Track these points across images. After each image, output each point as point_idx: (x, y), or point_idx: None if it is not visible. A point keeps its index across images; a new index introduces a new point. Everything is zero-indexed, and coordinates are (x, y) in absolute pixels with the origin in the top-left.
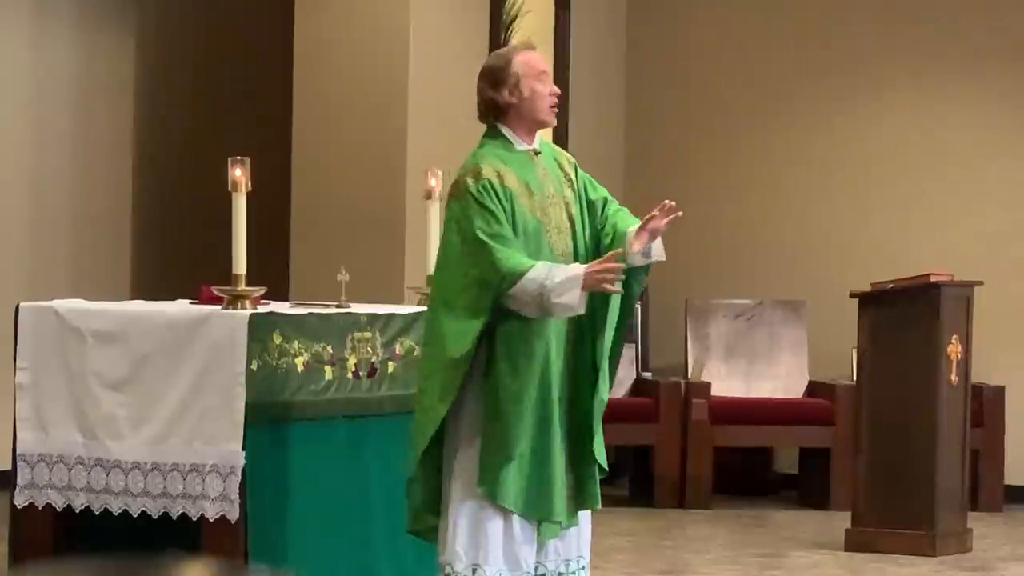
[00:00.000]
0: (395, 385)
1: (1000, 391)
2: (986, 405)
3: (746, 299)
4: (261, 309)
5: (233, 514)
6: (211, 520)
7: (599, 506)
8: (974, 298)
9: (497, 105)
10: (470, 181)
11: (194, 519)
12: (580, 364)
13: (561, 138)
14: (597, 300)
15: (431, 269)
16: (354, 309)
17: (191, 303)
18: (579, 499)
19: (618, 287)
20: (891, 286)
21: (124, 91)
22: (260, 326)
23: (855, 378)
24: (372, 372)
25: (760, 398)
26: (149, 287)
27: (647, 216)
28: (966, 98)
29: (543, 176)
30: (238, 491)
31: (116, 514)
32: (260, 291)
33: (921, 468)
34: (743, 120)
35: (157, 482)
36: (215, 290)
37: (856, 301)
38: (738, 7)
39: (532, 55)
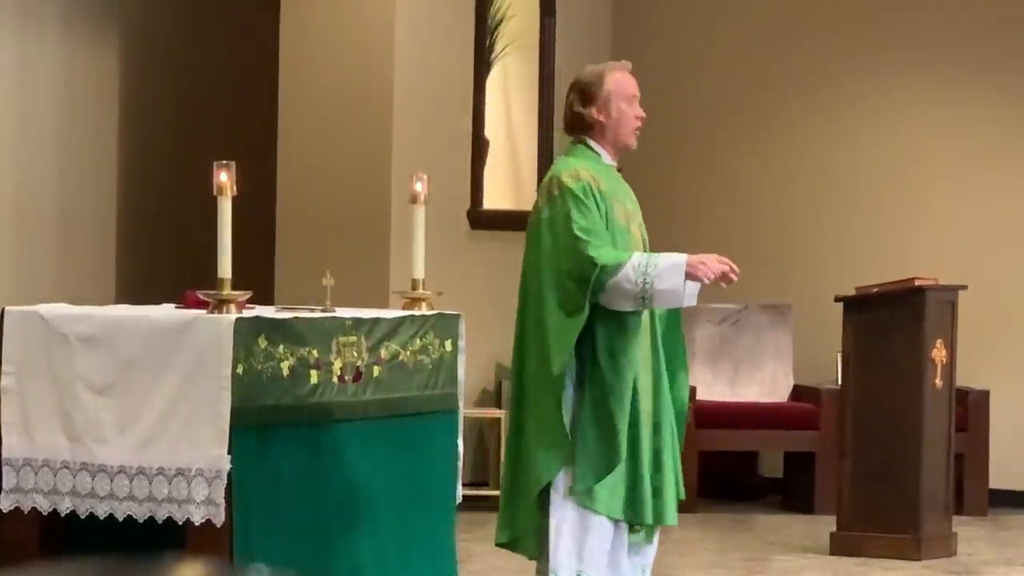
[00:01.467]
0: (380, 389)
1: (985, 395)
2: (971, 409)
3: (731, 303)
4: (246, 313)
5: (219, 518)
6: (197, 524)
7: (675, 522)
8: (958, 302)
9: (584, 121)
10: (568, 179)
11: (180, 523)
12: (658, 376)
13: (547, 142)
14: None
15: (418, 273)
16: (339, 313)
17: (176, 307)
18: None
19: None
20: (876, 290)
21: (109, 93)
22: (245, 330)
23: (840, 382)
24: (357, 376)
25: (745, 402)
26: (134, 291)
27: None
28: (950, 104)
29: (625, 193)
30: (224, 495)
31: (102, 518)
32: (245, 295)
33: (906, 472)
34: (727, 125)
35: (143, 486)
36: (200, 294)
37: (841, 305)
38: (723, 13)
39: (626, 76)
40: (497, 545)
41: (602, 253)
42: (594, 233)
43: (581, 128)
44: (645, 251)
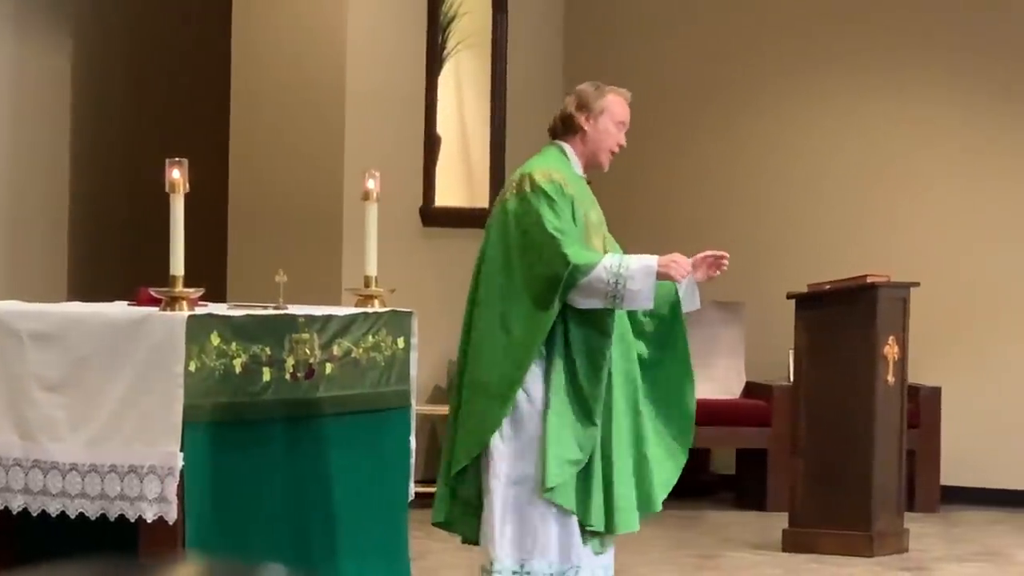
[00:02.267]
0: (333, 387)
1: (936, 392)
2: (922, 406)
3: None
4: (199, 310)
5: (171, 515)
6: (149, 522)
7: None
8: (910, 299)
9: (572, 123)
10: (540, 178)
11: (132, 521)
12: (629, 384)
13: (499, 140)
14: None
15: (370, 270)
16: (292, 310)
17: (129, 304)
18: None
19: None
20: (828, 287)
21: (61, 91)
22: (198, 327)
23: (792, 379)
24: (310, 373)
25: (697, 399)
26: (86, 288)
27: (699, 259)
28: (902, 102)
29: (592, 203)
30: (176, 492)
31: (54, 516)
32: (198, 292)
33: (858, 469)
34: (680, 124)
35: (95, 484)
36: (153, 291)
37: (793, 302)
38: (677, 11)
39: (624, 104)
40: (436, 524)
41: (575, 252)
42: (566, 232)
43: (565, 131)
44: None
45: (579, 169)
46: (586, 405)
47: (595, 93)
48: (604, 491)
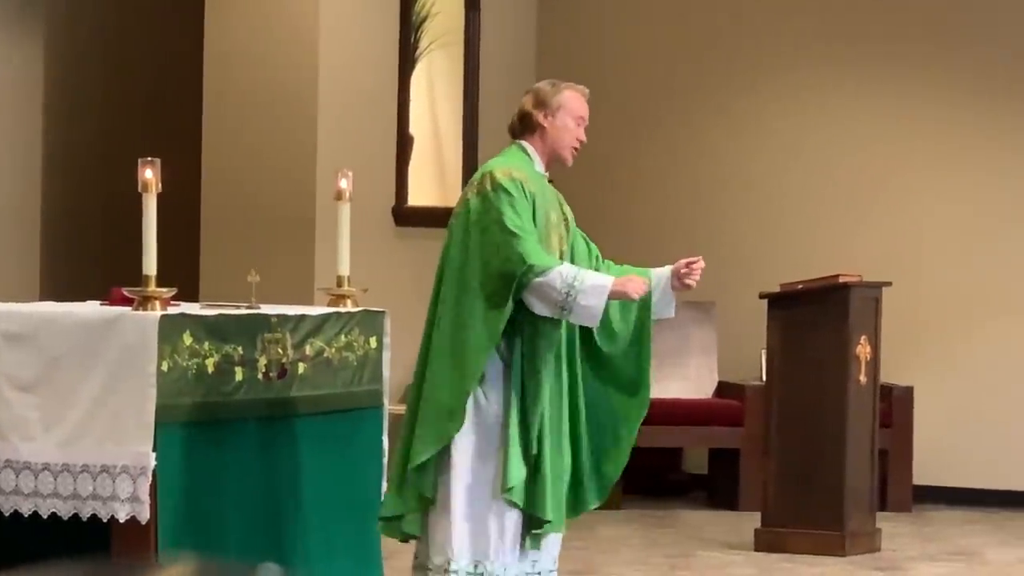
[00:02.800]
0: (305, 386)
1: (909, 391)
2: (895, 405)
3: None
4: (172, 310)
5: (143, 515)
6: (121, 521)
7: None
8: (882, 299)
9: (530, 121)
10: (501, 176)
11: (104, 520)
12: (575, 381)
13: (472, 139)
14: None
15: (342, 270)
16: (264, 310)
17: (101, 304)
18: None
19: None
20: (800, 287)
21: (33, 91)
22: (171, 327)
23: (764, 379)
24: (282, 373)
25: (670, 399)
26: (58, 288)
27: (682, 263)
28: (873, 102)
29: (551, 202)
30: (148, 492)
31: (27, 516)
32: (171, 292)
33: (830, 468)
34: (652, 123)
35: (67, 483)
36: (125, 291)
37: (765, 302)
38: (648, 8)
39: (581, 100)
40: (381, 518)
41: (533, 251)
42: (526, 231)
43: (524, 129)
44: (564, 260)
45: (541, 167)
46: (528, 408)
47: (551, 90)
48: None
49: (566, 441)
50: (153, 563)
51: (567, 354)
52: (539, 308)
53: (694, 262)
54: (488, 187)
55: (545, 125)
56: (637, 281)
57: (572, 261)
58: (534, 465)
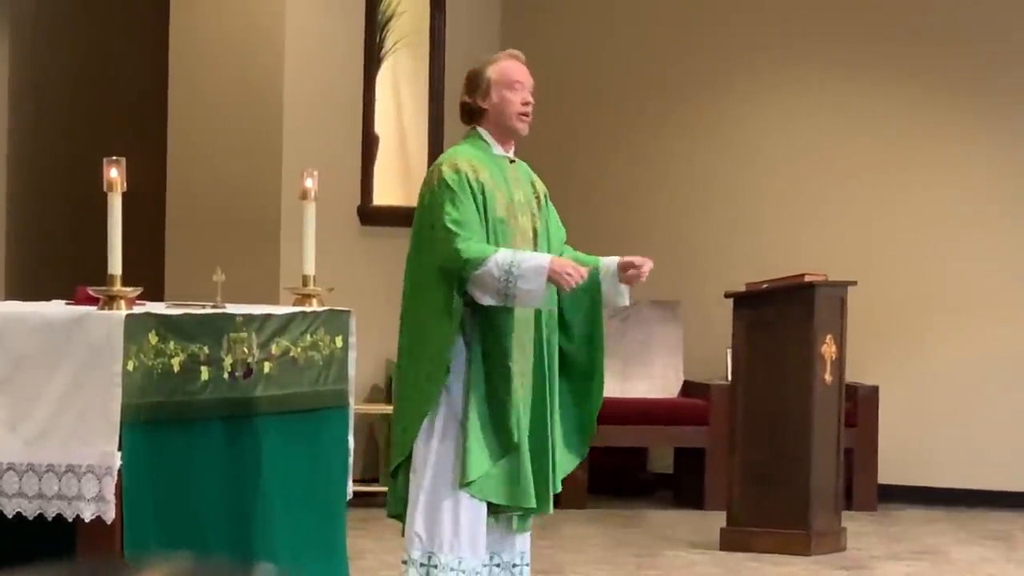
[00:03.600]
0: (271, 386)
1: (874, 391)
2: (860, 404)
3: None
4: (137, 309)
5: (109, 515)
6: (87, 521)
7: (549, 511)
8: (848, 298)
9: (470, 108)
10: (446, 169)
11: (70, 520)
12: (541, 365)
13: (437, 138)
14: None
15: (308, 269)
16: (230, 309)
17: (67, 304)
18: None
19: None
20: (765, 286)
21: None
22: (136, 326)
23: (730, 378)
24: (248, 373)
25: (635, 398)
26: (23, 288)
27: (628, 262)
28: (839, 101)
29: (514, 183)
30: (114, 492)
31: None
32: (136, 291)
33: (795, 468)
34: (618, 121)
35: (32, 483)
36: (91, 290)
37: (731, 301)
38: (613, 8)
39: (508, 64)
40: (390, 516)
41: (467, 246)
42: (464, 225)
43: (470, 117)
44: (539, 240)
45: (500, 149)
46: (499, 398)
47: (479, 70)
48: (514, 470)
49: (548, 425)
50: (148, 562)
51: (547, 337)
52: (485, 299)
53: (640, 266)
54: (435, 183)
55: (485, 107)
56: (574, 268)
57: (548, 238)
58: (514, 453)
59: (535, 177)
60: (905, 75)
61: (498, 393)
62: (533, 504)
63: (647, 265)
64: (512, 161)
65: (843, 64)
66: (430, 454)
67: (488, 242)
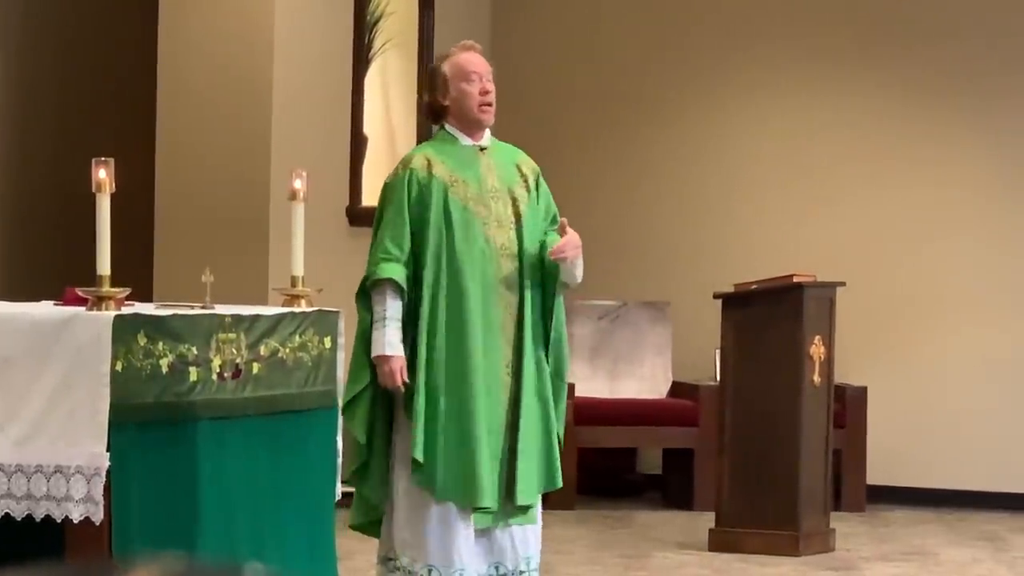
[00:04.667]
0: (260, 387)
1: (862, 391)
2: (849, 405)
3: (610, 300)
4: (126, 310)
5: (97, 516)
6: (75, 522)
7: (530, 500)
8: (836, 299)
9: (433, 108)
10: (398, 169)
11: (58, 521)
12: (522, 349)
13: (426, 135)
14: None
15: (297, 270)
16: (219, 310)
17: (55, 304)
18: (531, 484)
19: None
20: (754, 287)
21: None
22: (125, 327)
23: (719, 379)
24: (237, 373)
25: (624, 399)
26: (11, 288)
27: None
28: (828, 101)
29: (486, 171)
30: (102, 493)
31: None
32: (125, 292)
33: (784, 468)
34: (607, 121)
35: (20, 484)
36: (79, 291)
37: (720, 302)
38: (604, 9)
39: (463, 57)
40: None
41: (375, 261)
42: (385, 229)
43: (437, 117)
44: (523, 223)
45: (468, 140)
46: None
47: (435, 68)
48: (457, 464)
49: (478, 417)
50: (137, 563)
51: (515, 334)
52: (368, 312)
53: (562, 248)
54: (386, 180)
55: (447, 103)
56: (387, 377)
57: (539, 221)
58: (466, 447)
59: (522, 159)
60: (894, 77)
61: (430, 381)
62: (488, 503)
63: (567, 246)
64: (483, 149)
65: (832, 64)
66: (399, 451)
67: (446, 230)
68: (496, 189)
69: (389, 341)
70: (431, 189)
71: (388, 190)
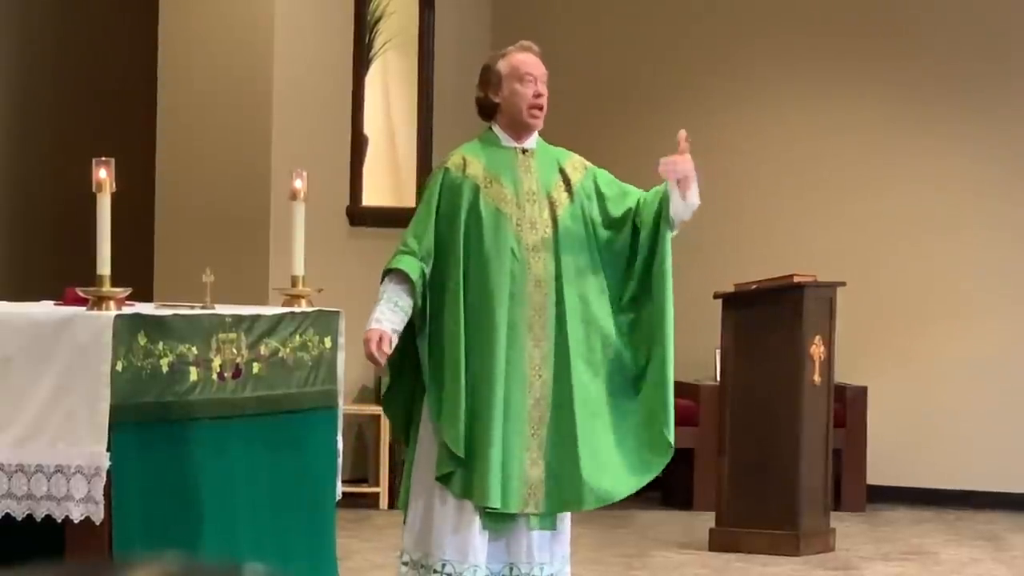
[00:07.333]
0: (260, 386)
1: (862, 391)
2: (849, 405)
3: None
4: (126, 310)
5: (98, 516)
6: (76, 522)
7: (581, 508)
8: (836, 299)
9: (484, 104)
10: (436, 167)
11: (59, 521)
12: (562, 355)
13: (428, 140)
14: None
15: (297, 270)
16: (219, 310)
17: (55, 304)
18: (552, 498)
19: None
20: (755, 287)
21: None
22: (125, 327)
23: (719, 378)
24: (237, 373)
25: None
26: (12, 288)
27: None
28: (829, 100)
29: (524, 173)
30: (103, 493)
31: None
32: (125, 292)
33: (784, 468)
34: (607, 120)
35: (21, 484)
36: (80, 291)
37: (720, 302)
38: (604, 9)
39: (520, 57)
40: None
41: (396, 253)
42: (414, 227)
43: (485, 112)
44: (559, 228)
45: (510, 141)
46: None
47: (490, 65)
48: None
49: (496, 415)
50: (137, 563)
51: (553, 336)
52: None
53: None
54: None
55: (498, 101)
56: (372, 345)
57: (589, 227)
58: (473, 445)
59: (568, 161)
60: (894, 78)
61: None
62: (495, 504)
63: (678, 159)
64: (524, 151)
65: (832, 66)
66: (420, 451)
67: (475, 230)
68: (533, 192)
69: (376, 317)
70: (463, 189)
71: (424, 187)
